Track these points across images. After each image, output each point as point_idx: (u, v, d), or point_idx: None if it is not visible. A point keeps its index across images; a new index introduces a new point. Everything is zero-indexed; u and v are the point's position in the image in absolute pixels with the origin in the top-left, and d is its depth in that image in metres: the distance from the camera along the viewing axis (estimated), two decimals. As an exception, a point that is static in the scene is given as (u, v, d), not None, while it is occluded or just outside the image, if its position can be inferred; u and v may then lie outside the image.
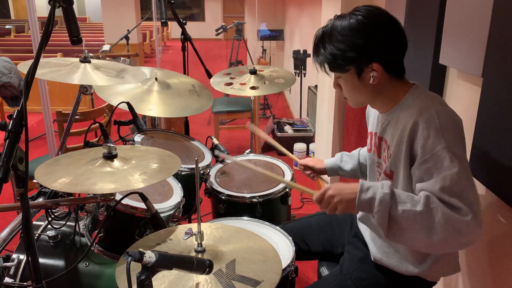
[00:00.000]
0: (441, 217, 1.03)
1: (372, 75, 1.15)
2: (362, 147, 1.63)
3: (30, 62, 1.61)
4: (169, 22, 2.66)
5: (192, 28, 13.90)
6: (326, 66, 1.19)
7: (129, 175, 1.18)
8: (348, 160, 1.63)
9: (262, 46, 6.40)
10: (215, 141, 2.06)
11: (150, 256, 0.84)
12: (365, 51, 1.13)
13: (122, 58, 4.10)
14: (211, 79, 2.35)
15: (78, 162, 1.26)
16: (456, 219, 1.02)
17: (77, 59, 1.71)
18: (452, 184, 1.04)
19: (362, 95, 1.22)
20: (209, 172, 1.97)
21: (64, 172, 1.18)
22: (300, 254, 1.56)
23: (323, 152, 3.43)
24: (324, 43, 1.17)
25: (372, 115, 1.37)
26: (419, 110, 1.12)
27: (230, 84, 2.28)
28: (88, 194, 1.35)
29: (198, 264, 0.93)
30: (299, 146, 4.04)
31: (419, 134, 1.09)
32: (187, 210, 1.92)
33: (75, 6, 1.66)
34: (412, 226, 1.05)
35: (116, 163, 1.24)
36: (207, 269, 0.95)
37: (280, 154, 2.48)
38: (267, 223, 1.59)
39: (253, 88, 2.24)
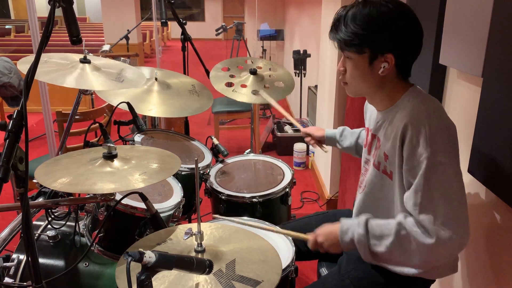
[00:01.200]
0: (413, 243, 1.12)
1: (383, 65, 1.16)
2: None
3: (29, 58, 1.61)
4: (169, 22, 2.65)
5: (192, 28, 13.89)
6: (343, 42, 1.18)
7: (129, 175, 1.18)
8: (347, 136, 1.69)
9: (262, 46, 6.40)
10: (215, 141, 2.06)
11: (150, 256, 0.84)
12: (386, 38, 1.13)
13: (122, 58, 4.09)
14: (210, 74, 2.33)
15: (78, 162, 1.26)
16: (424, 244, 1.10)
17: (77, 58, 1.69)
18: (424, 200, 1.10)
19: (366, 83, 1.22)
20: (209, 172, 1.97)
21: (64, 172, 1.18)
22: (300, 254, 1.57)
23: (323, 151, 3.43)
24: (347, 21, 1.16)
25: (369, 112, 1.39)
26: (410, 114, 1.13)
27: (231, 85, 2.27)
28: (88, 194, 1.35)
29: (198, 264, 0.93)
30: (299, 146, 4.04)
31: (408, 140, 1.12)
32: (187, 210, 1.92)
33: (75, 6, 1.65)
34: (391, 255, 1.18)
35: (116, 163, 1.24)
36: (207, 269, 0.95)
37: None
38: (267, 223, 1.59)
39: (254, 92, 2.21)
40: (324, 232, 1.29)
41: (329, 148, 1.83)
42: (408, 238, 1.12)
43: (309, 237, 1.33)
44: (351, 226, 1.22)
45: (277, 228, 1.48)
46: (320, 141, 1.77)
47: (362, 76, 1.20)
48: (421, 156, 1.09)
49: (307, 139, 1.79)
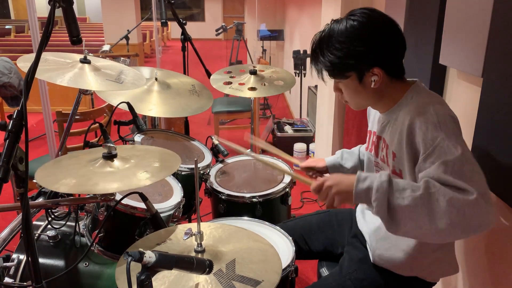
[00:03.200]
0: (443, 200, 0.96)
1: (373, 79, 1.15)
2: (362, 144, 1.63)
3: (29, 56, 1.61)
4: (169, 22, 2.65)
5: (192, 28, 13.88)
6: (325, 73, 1.18)
7: (131, 174, 1.18)
8: (348, 157, 1.63)
9: (262, 46, 6.40)
10: (215, 141, 2.06)
11: (150, 256, 0.84)
12: (364, 57, 1.12)
13: (122, 58, 4.10)
14: (211, 77, 2.35)
15: (79, 163, 1.26)
16: (459, 201, 0.95)
17: (78, 58, 1.69)
18: (456, 166, 0.99)
19: (364, 98, 1.22)
20: (209, 172, 1.97)
21: (65, 174, 1.18)
22: (301, 253, 1.57)
23: (323, 152, 3.43)
24: (323, 50, 1.15)
25: (373, 113, 1.38)
26: (416, 108, 1.11)
27: (229, 83, 2.28)
28: (88, 194, 1.35)
29: (198, 264, 0.93)
30: (299, 146, 4.04)
31: (417, 130, 1.07)
32: (187, 210, 1.92)
33: (75, 6, 1.65)
34: (413, 213, 0.99)
35: (116, 162, 1.24)
36: (207, 269, 0.95)
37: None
38: (267, 223, 1.59)
39: (251, 89, 2.23)
40: (336, 177, 1.13)
41: None
42: (437, 195, 0.97)
43: (311, 180, 1.19)
44: (370, 176, 1.07)
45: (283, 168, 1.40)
46: (323, 172, 1.67)
47: (357, 94, 1.20)
48: (436, 139, 1.03)
49: (310, 173, 1.67)
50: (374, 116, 1.36)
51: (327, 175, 1.69)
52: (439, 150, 1.02)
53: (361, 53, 1.11)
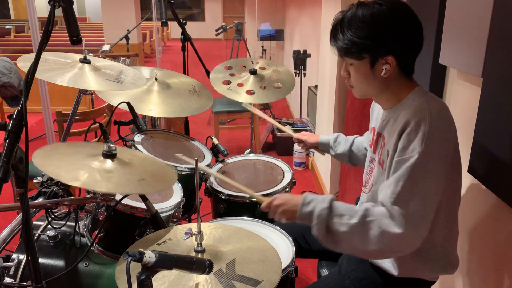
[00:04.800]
0: (376, 231, 1.10)
1: (385, 67, 1.16)
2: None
3: (29, 56, 1.61)
4: (169, 22, 2.65)
5: (192, 28, 13.88)
6: (342, 51, 1.19)
7: (128, 178, 1.18)
8: (341, 142, 1.68)
9: (262, 46, 6.39)
10: (215, 141, 2.06)
11: (150, 256, 0.84)
12: (383, 42, 1.13)
13: (122, 58, 4.10)
14: (211, 73, 2.32)
15: (79, 154, 1.24)
16: (389, 234, 1.09)
17: (78, 58, 1.69)
18: (403, 191, 1.09)
19: (370, 85, 1.22)
20: (209, 172, 1.97)
21: (66, 163, 1.16)
22: (301, 251, 1.57)
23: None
24: (343, 28, 1.16)
25: (376, 111, 1.39)
26: (414, 111, 1.13)
27: (229, 82, 2.27)
28: (88, 194, 1.35)
29: (198, 264, 0.93)
30: (299, 146, 4.04)
31: (405, 133, 1.12)
32: (187, 210, 1.92)
33: (75, 6, 1.65)
34: (348, 238, 1.14)
35: (116, 163, 1.23)
36: (207, 269, 0.95)
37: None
38: (267, 223, 1.59)
39: (249, 92, 2.21)
40: (284, 197, 1.26)
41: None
42: (372, 224, 1.11)
43: (265, 198, 1.30)
44: (315, 199, 1.19)
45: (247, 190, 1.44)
46: (312, 147, 1.78)
47: (365, 79, 1.21)
48: (413, 150, 1.09)
49: (301, 145, 1.79)
50: (377, 113, 1.37)
51: (317, 153, 1.74)
52: (406, 161, 1.10)
53: (380, 37, 1.12)
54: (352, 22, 1.14)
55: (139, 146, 1.84)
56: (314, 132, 4.14)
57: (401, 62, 1.16)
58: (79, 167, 1.15)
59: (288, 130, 1.88)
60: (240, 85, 2.24)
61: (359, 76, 1.21)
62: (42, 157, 1.14)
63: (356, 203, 1.55)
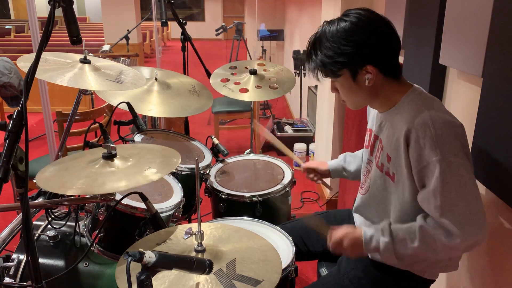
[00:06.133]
0: (439, 246, 1.12)
1: (367, 77, 1.16)
2: (362, 147, 1.63)
3: (29, 56, 1.61)
4: (169, 22, 2.65)
5: (192, 28, 13.88)
6: (319, 73, 1.21)
7: (136, 172, 1.18)
8: (352, 160, 1.63)
9: (262, 46, 6.39)
10: (215, 141, 2.06)
11: (150, 256, 0.84)
12: (355, 55, 1.13)
13: (122, 58, 4.09)
14: (214, 72, 2.32)
15: (78, 165, 1.25)
16: (449, 245, 1.10)
17: (78, 58, 1.69)
18: (443, 203, 1.09)
19: (359, 96, 1.23)
20: (209, 172, 1.97)
21: (68, 177, 1.18)
22: (300, 255, 1.57)
23: (323, 152, 3.43)
24: (316, 50, 1.18)
25: (372, 112, 1.39)
26: (413, 116, 1.13)
27: (227, 80, 2.26)
28: (89, 194, 1.35)
29: (198, 264, 0.93)
30: (299, 146, 4.04)
31: (413, 143, 1.11)
32: (187, 210, 1.92)
33: (75, 6, 1.65)
34: (417, 256, 1.20)
35: (117, 162, 1.24)
36: (207, 269, 0.95)
37: (280, 154, 2.45)
38: (267, 223, 1.59)
39: (244, 91, 2.21)
40: (349, 237, 1.25)
41: (334, 186, 1.72)
42: (432, 242, 1.13)
43: (331, 236, 1.28)
44: (374, 235, 1.20)
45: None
46: (325, 175, 1.68)
47: (352, 92, 1.22)
48: (430, 158, 1.08)
49: (311, 175, 1.69)
50: (373, 115, 1.37)
51: (328, 180, 1.71)
52: (431, 170, 1.09)
53: (350, 52, 1.13)
54: (321, 42, 1.17)
55: (139, 146, 1.84)
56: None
57: (382, 67, 1.16)
58: (84, 175, 1.17)
59: (297, 159, 1.83)
60: (237, 83, 2.24)
61: (345, 91, 1.23)
62: (45, 180, 1.16)
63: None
